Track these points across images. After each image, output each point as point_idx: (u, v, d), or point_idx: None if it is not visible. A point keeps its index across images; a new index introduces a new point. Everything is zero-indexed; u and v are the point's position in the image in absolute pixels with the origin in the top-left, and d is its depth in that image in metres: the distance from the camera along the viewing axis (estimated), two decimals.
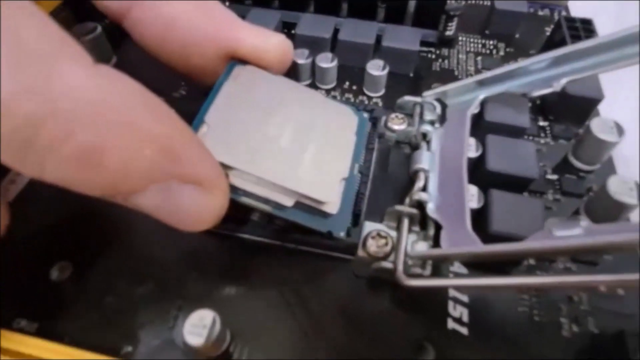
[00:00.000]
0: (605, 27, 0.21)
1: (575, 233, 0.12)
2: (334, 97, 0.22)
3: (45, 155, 0.10)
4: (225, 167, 0.14)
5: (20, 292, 0.15)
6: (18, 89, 0.09)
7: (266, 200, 0.15)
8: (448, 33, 0.24)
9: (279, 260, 0.17)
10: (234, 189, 0.14)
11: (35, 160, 0.10)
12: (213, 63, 0.17)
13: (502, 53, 0.24)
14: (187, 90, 0.22)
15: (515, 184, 0.16)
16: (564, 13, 0.27)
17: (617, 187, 0.16)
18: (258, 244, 0.17)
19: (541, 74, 0.17)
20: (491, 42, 0.25)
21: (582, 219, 0.12)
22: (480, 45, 0.25)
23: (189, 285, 0.16)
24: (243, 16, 0.22)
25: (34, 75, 0.10)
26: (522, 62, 0.17)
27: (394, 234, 0.16)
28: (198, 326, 0.13)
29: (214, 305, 0.14)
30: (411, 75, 0.23)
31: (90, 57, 0.11)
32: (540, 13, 0.27)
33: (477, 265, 0.16)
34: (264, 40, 0.17)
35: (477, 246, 0.14)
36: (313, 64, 0.21)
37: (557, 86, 0.16)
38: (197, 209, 0.13)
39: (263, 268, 0.16)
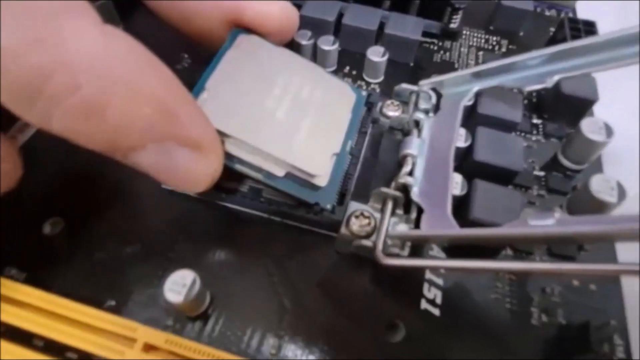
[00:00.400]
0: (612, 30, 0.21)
1: (548, 223, 0.12)
2: None
3: (52, 105, 0.11)
4: (222, 134, 0.15)
5: (13, 242, 0.16)
6: (29, 39, 0.10)
7: (259, 169, 0.15)
8: (452, 26, 0.24)
9: (265, 232, 0.17)
10: (228, 156, 0.15)
11: (42, 109, 0.11)
12: (217, 28, 0.17)
13: (504, 50, 0.24)
14: (189, 63, 0.23)
15: (500, 176, 0.17)
16: (570, 14, 0.27)
17: (599, 186, 0.16)
18: (246, 216, 0.17)
19: (535, 69, 0.17)
20: (494, 38, 0.25)
21: (556, 210, 0.13)
22: (483, 41, 0.25)
23: (175, 249, 0.16)
24: None
25: (45, 27, 0.10)
26: (518, 57, 0.17)
27: (377, 215, 0.16)
28: (178, 284, 0.14)
29: (197, 269, 0.15)
30: (411, 64, 0.23)
31: (98, 15, 0.12)
32: (547, 13, 0.27)
33: (455, 251, 0.17)
34: (268, 6, 0.17)
35: (453, 229, 0.14)
36: (315, 46, 0.22)
37: (549, 82, 0.17)
38: (193, 171, 0.13)
39: (249, 238, 0.17)
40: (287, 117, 0.16)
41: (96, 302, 0.15)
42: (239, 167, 0.15)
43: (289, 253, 0.17)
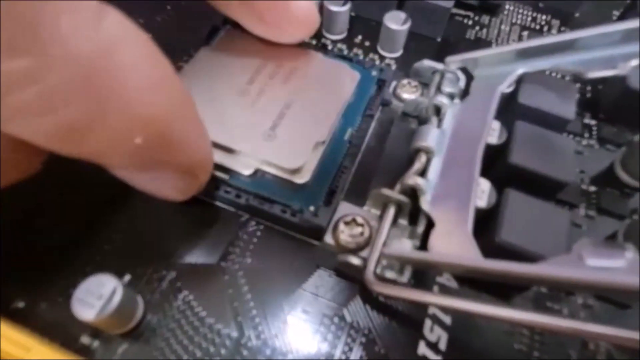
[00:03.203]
0: None
1: (616, 266, 0.09)
2: (340, 50, 0.18)
3: (21, 123, 0.08)
4: None
5: None
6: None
7: (223, 168, 0.13)
8: None
9: (230, 230, 0.13)
10: None
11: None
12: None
13: (554, 32, 0.20)
14: (168, 19, 0.19)
15: (541, 187, 0.13)
16: None
17: None
18: (209, 208, 0.14)
19: (604, 50, 0.13)
20: (544, 17, 0.20)
21: (627, 247, 0.09)
22: (529, 19, 0.20)
23: (113, 241, 0.13)
24: None
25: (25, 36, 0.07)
26: (580, 32, 0.13)
27: (374, 224, 0.13)
28: (93, 294, 0.10)
29: (131, 271, 0.11)
30: (438, 40, 0.19)
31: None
32: None
33: (472, 281, 0.13)
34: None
35: (474, 258, 0.10)
36: (321, 7, 0.18)
37: (623, 68, 0.12)
38: (180, 189, 0.12)
39: (209, 237, 0.13)
40: (260, 107, 0.14)
41: (2, 302, 0.11)
42: None
43: (256, 260, 0.13)
